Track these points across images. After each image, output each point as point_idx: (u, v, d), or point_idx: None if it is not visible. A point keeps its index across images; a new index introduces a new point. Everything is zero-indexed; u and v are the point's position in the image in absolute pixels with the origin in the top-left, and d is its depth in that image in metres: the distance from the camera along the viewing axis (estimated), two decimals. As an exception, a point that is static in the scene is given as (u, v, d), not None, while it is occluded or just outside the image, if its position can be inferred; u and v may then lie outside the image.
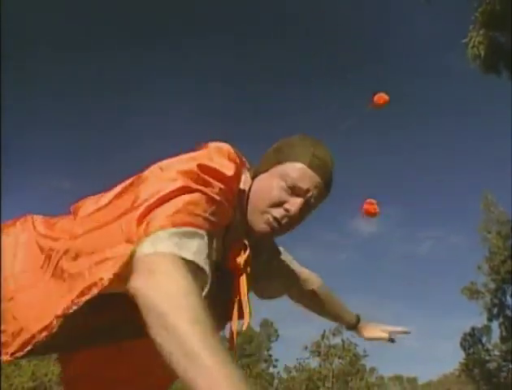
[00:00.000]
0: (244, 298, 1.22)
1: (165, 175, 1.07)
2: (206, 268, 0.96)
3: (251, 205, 1.22)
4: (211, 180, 1.07)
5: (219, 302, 1.16)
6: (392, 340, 1.72)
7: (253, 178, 1.26)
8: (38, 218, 1.30)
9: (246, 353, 30.14)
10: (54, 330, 1.00)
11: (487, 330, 22.23)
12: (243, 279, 1.23)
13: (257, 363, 22.80)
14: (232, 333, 1.24)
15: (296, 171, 1.20)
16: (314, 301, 1.65)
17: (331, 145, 1.27)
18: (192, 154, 1.14)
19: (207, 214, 1.04)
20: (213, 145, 1.19)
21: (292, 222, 1.21)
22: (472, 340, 22.56)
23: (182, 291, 0.85)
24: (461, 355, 22.72)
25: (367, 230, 52.90)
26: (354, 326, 1.74)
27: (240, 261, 1.22)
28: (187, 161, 1.10)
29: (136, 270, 0.91)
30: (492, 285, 19.61)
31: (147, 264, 0.90)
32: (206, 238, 1.00)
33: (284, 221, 1.20)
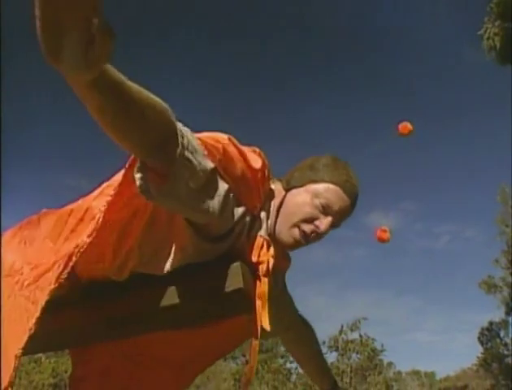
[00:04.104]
0: (263, 298, 1.18)
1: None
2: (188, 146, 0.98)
3: (283, 217, 1.27)
4: (240, 157, 1.13)
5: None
6: None
7: (286, 190, 1.31)
8: None
9: (263, 348, 30.20)
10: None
11: (505, 324, 22.00)
12: (264, 282, 1.20)
13: (274, 359, 22.80)
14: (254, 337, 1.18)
15: (331, 192, 1.27)
16: (303, 351, 1.66)
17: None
18: None
19: (231, 169, 1.10)
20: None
21: (318, 238, 1.28)
22: (490, 335, 22.35)
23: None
24: (479, 350, 22.55)
25: (384, 225, 52.48)
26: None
27: (264, 257, 1.21)
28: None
29: None
30: (510, 279, 19.37)
31: None
32: (211, 166, 1.04)
33: (312, 236, 1.26)
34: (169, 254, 1.16)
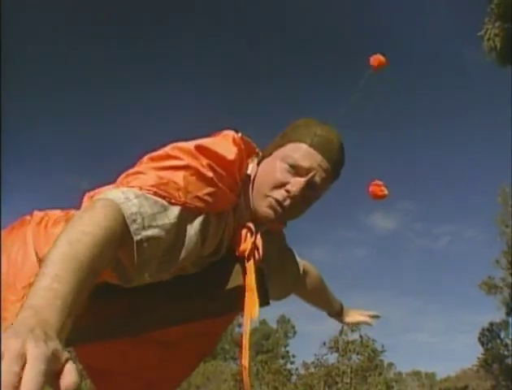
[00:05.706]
0: (249, 286, 1.14)
1: (162, 150, 1.10)
2: (141, 233, 0.94)
3: (255, 191, 1.19)
4: (209, 161, 1.07)
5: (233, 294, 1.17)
6: (369, 324, 1.75)
7: (258, 164, 1.23)
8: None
9: (263, 349, 30.23)
10: None
11: (505, 325, 22.03)
12: (250, 266, 1.16)
13: (274, 359, 22.82)
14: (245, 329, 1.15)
15: (296, 150, 1.17)
16: (311, 292, 1.63)
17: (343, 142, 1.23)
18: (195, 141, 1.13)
19: (199, 193, 1.05)
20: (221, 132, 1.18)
21: (295, 204, 1.16)
22: (491, 335, 22.38)
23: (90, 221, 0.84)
24: (479, 350, 22.58)
25: (384, 226, 52.58)
26: (340, 313, 1.73)
27: (245, 246, 1.17)
28: (186, 142, 1.10)
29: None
30: (510, 279, 19.37)
31: (92, 201, 0.93)
32: (176, 214, 1.02)
33: (286, 203, 1.15)
34: (170, 273, 1.15)
